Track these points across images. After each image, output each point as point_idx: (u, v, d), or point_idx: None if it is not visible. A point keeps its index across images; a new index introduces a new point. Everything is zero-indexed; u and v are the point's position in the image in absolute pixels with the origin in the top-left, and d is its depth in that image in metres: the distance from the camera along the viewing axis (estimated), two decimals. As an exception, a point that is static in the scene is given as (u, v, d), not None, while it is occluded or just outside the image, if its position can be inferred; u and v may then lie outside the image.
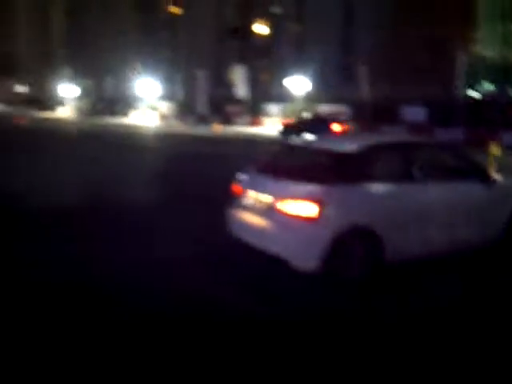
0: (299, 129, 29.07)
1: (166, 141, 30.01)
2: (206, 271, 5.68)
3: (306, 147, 6.25)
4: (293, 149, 6.48)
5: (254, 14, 60.85)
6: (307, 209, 4.98)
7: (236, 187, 5.92)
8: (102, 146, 23.42)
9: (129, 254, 6.21)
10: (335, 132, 28.86)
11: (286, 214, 5.10)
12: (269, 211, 5.28)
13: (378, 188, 5.38)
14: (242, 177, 5.99)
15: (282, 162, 6.06)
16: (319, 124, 29.49)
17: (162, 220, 8.13)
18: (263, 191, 5.43)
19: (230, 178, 6.58)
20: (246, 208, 5.65)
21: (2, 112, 67.43)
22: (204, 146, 24.96)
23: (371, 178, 5.40)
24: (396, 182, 5.52)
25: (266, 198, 5.33)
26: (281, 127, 32.89)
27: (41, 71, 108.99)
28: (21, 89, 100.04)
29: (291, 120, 34.42)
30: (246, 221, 5.61)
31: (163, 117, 58.26)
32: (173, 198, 10.04)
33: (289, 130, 30.78)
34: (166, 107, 61.88)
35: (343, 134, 26.65)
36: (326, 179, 5.19)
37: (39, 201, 9.13)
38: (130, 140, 28.80)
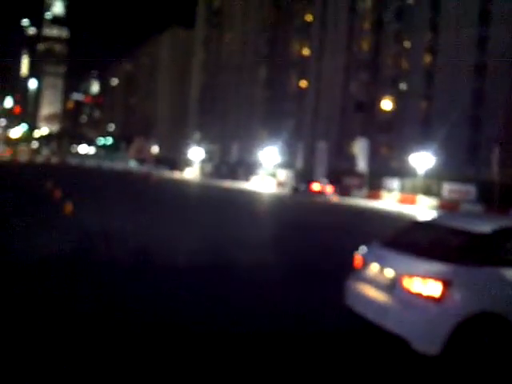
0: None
1: (284, 209, 30.59)
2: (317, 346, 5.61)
3: (436, 224, 6.06)
4: (421, 225, 6.30)
5: (379, 89, 61.57)
6: (433, 288, 4.77)
7: (358, 259, 5.86)
8: (228, 209, 24.48)
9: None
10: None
11: (408, 292, 4.92)
12: (391, 287, 5.13)
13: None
14: (366, 249, 5.93)
15: (410, 238, 5.89)
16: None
17: (280, 289, 8.23)
18: (387, 265, 5.30)
19: (347, 250, 6.54)
20: (367, 281, 5.55)
21: (135, 170, 73.54)
22: (320, 216, 25.03)
23: (505, 261, 5.09)
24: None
25: (389, 273, 5.20)
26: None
27: (173, 134, 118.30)
28: (154, 149, 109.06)
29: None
30: (366, 294, 5.50)
31: (280, 184, 59.76)
32: (292, 266, 10.16)
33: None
34: (284, 175, 63.50)
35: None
36: (456, 259, 4.96)
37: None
38: (253, 206, 29.80)
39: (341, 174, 54.31)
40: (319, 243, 14.22)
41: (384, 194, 46.42)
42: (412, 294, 4.89)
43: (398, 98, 58.97)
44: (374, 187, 48.57)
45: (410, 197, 43.16)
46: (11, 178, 35.04)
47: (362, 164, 51.50)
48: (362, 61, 64.22)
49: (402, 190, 45.99)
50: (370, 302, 5.39)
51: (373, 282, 5.43)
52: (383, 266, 5.35)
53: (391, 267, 5.23)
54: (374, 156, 54.72)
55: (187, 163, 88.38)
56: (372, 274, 5.49)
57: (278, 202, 35.27)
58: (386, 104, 60.96)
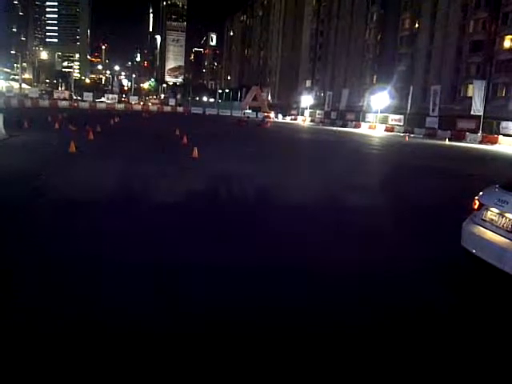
0: None
1: (393, 152, 29.48)
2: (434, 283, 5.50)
3: None
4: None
5: (499, 27, 55.52)
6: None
7: (477, 202, 5.55)
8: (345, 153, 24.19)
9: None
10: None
11: (531, 236, 4.60)
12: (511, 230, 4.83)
13: None
14: (486, 192, 5.58)
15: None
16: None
17: (396, 223, 8.11)
18: (508, 209, 4.98)
19: (466, 193, 6.21)
20: (486, 224, 5.26)
21: (251, 117, 74.43)
22: (435, 161, 23.75)
23: None
24: None
25: (511, 217, 4.89)
26: None
27: (285, 82, 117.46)
28: (267, 97, 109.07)
29: None
30: (484, 237, 5.22)
31: (389, 129, 57.26)
32: (407, 208, 9.99)
33: None
34: (394, 120, 60.60)
35: None
36: None
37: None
38: (367, 152, 29.17)
39: (455, 118, 50.69)
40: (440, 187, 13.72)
41: (500, 138, 42.62)
42: (535, 238, 4.57)
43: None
44: (490, 131, 44.80)
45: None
46: (147, 125, 37.34)
47: (477, 107, 47.39)
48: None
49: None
50: (487, 245, 5.12)
51: (492, 226, 5.14)
52: (504, 209, 5.01)
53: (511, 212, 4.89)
54: (490, 99, 50.22)
55: (298, 110, 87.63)
56: (491, 218, 5.19)
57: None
58: (506, 42, 54.87)
